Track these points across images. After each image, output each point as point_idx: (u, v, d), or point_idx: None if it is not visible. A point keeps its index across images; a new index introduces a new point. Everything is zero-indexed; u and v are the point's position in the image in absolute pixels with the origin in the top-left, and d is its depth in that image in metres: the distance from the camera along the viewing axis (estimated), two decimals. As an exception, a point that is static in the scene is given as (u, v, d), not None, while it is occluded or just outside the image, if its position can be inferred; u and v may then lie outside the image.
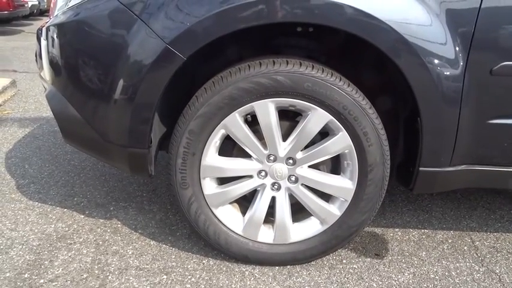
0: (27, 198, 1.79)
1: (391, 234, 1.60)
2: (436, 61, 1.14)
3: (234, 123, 1.23)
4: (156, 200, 1.81)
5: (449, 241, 1.56)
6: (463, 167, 1.30)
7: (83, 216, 1.66)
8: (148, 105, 1.21)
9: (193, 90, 1.28)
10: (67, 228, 1.57)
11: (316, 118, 1.21)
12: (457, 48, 1.14)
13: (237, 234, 1.35)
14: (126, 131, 1.25)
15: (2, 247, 1.44)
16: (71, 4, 1.29)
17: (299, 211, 1.36)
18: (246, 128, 1.24)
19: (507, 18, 1.14)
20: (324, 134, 1.29)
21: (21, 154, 2.26)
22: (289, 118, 1.31)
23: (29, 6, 9.76)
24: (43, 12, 11.82)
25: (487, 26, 1.13)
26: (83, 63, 1.25)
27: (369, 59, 1.32)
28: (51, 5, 1.50)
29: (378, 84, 1.36)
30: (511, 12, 1.13)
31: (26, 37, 8.00)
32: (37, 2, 10.79)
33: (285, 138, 1.27)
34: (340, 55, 1.39)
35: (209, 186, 1.31)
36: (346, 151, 1.25)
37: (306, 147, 1.28)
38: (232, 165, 1.30)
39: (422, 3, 1.12)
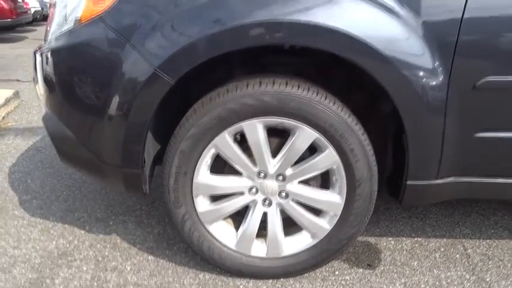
0: (30, 214, 1.84)
1: (384, 244, 1.62)
2: (418, 78, 1.15)
3: (224, 143, 1.26)
4: (154, 213, 1.85)
5: (442, 249, 1.58)
6: (450, 179, 1.32)
7: (83, 231, 1.71)
8: (140, 127, 1.25)
9: (188, 105, 1.31)
10: (68, 245, 1.62)
11: (303, 136, 1.24)
12: (439, 64, 1.16)
13: (230, 249, 1.38)
14: (120, 152, 1.28)
15: (5, 265, 1.49)
16: (63, 30, 1.32)
17: (291, 224, 1.39)
18: (235, 147, 1.27)
19: (489, 33, 1.15)
20: (314, 148, 1.31)
21: (23, 168, 2.31)
22: (279, 134, 1.34)
23: (32, 12, 9.85)
24: (46, 17, 11.88)
25: (468, 42, 1.15)
26: (76, 88, 1.28)
27: (357, 77, 1.34)
28: (46, 26, 1.53)
29: (366, 100, 1.38)
30: (492, 27, 1.15)
31: (30, 44, 8.08)
32: (40, 8, 10.89)
33: (274, 154, 1.30)
34: (327, 71, 1.41)
35: (202, 204, 1.34)
36: (334, 167, 1.28)
37: (296, 162, 1.31)
38: (224, 182, 1.33)
39: (401, 20, 1.13)
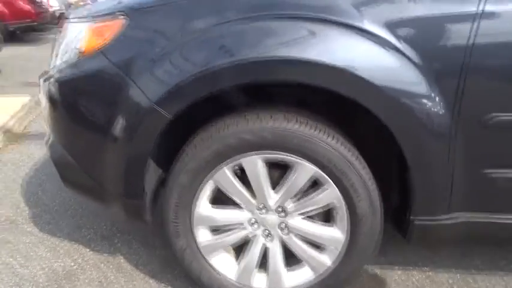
0: (38, 229, 1.88)
1: (391, 275, 1.57)
2: (421, 114, 1.10)
3: (223, 177, 1.24)
4: (159, 231, 1.85)
5: (450, 281, 1.53)
6: (461, 217, 1.26)
7: (88, 250, 1.73)
8: (140, 159, 1.25)
9: (194, 130, 1.30)
10: (73, 264, 1.64)
11: (303, 171, 1.21)
12: (443, 99, 1.10)
13: (230, 280, 1.37)
14: (120, 183, 1.29)
15: (11, 284, 1.52)
16: (66, 61, 1.32)
17: (293, 255, 1.36)
18: (235, 181, 1.26)
19: (497, 68, 1.09)
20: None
21: (36, 179, 2.36)
22: (280, 166, 1.31)
23: (53, 12, 10.03)
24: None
25: (475, 76, 1.09)
26: (78, 119, 1.29)
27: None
28: (52, 50, 1.53)
29: (371, 133, 1.34)
30: (499, 62, 1.08)
31: (50, 44, 8.24)
32: (59, 8, 11.07)
33: (275, 186, 1.28)
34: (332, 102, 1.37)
35: (202, 235, 1.33)
36: (335, 202, 1.24)
37: (298, 196, 1.28)
38: (224, 215, 1.32)
39: (401, 55, 1.08)
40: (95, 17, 1.32)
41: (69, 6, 11.88)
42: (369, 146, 1.32)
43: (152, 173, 1.39)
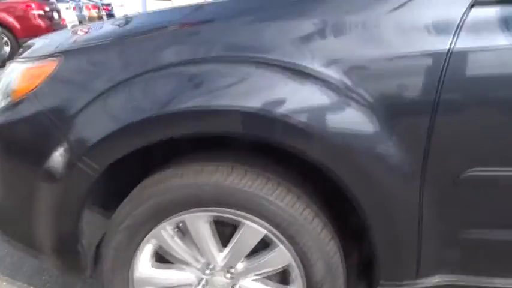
0: (-2, 274, 1.78)
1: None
2: (380, 170, 0.95)
3: (163, 236, 1.11)
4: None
5: None
6: (436, 280, 1.09)
7: (43, 301, 1.62)
8: (71, 214, 1.13)
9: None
10: (21, 319, 1.53)
11: (250, 232, 1.06)
12: (408, 153, 0.95)
13: None
14: (51, 239, 1.17)
15: None
16: (2, 102, 1.23)
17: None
18: (176, 240, 1.12)
19: (473, 115, 0.93)
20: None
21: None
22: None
23: (69, 27, 10.21)
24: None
25: (447, 124, 0.93)
26: (9, 167, 1.19)
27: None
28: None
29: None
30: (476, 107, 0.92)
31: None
32: (78, 22, 11.31)
33: (226, 243, 1.13)
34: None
35: (146, 299, 1.20)
36: (290, 265, 1.09)
37: (251, 256, 1.13)
38: (169, 275, 1.18)
39: (352, 100, 0.93)
40: (32, 57, 1.23)
41: (85, 20, 12.13)
42: (333, 200, 1.17)
43: (96, 226, 1.27)
